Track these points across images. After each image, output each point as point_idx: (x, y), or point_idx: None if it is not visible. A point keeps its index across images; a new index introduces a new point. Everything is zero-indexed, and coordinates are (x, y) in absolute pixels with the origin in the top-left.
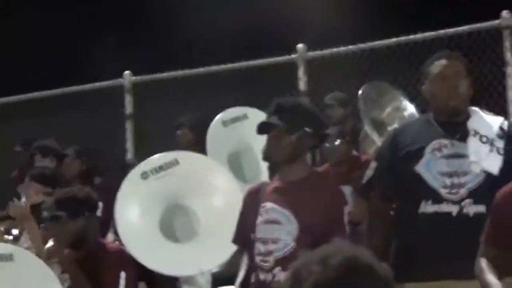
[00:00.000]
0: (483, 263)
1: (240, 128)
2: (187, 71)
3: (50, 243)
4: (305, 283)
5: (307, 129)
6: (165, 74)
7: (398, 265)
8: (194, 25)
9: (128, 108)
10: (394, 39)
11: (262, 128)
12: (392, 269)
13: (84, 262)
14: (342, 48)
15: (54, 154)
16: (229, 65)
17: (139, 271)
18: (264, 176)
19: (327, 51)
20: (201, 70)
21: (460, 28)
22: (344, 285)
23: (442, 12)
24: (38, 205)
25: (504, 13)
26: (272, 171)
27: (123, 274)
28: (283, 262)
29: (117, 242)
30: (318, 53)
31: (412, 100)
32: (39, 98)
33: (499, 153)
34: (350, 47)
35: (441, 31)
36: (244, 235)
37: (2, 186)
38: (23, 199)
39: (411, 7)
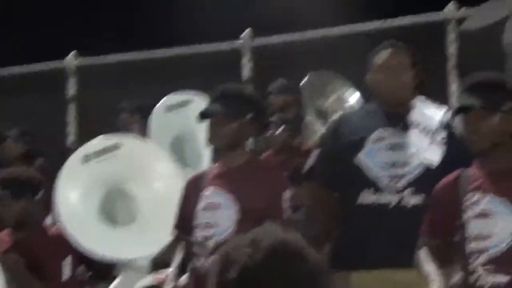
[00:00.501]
0: (423, 253)
1: (184, 114)
2: (132, 55)
3: None
4: (234, 265)
5: (249, 116)
6: (110, 57)
7: (340, 253)
8: (142, 7)
9: (71, 90)
10: (337, 28)
11: (204, 114)
12: (335, 257)
13: (24, 245)
14: (289, 36)
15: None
16: (176, 50)
17: (79, 255)
18: (207, 162)
19: (273, 38)
20: (146, 54)
21: (405, 19)
22: (272, 268)
23: (388, 2)
24: None
25: (450, 5)
26: (215, 157)
27: (68, 260)
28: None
29: (56, 226)
30: (264, 40)
31: (356, 90)
32: None
33: (440, 145)
34: (296, 35)
35: (386, 22)
36: (184, 222)
37: None
38: None
39: None
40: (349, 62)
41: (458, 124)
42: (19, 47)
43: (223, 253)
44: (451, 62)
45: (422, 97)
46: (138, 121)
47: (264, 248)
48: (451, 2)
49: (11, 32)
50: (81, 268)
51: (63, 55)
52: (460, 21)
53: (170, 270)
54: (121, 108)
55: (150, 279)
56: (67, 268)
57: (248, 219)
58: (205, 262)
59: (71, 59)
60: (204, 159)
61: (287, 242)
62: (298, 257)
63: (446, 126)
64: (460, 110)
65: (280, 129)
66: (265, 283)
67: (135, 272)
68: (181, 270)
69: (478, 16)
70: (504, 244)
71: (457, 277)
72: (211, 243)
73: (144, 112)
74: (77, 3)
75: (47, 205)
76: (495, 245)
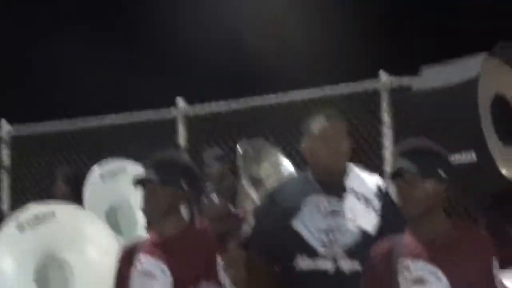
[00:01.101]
0: None
1: (118, 182)
2: (66, 124)
3: None
4: None
5: (182, 183)
6: (45, 126)
7: None
8: (77, 76)
9: (5, 160)
10: (273, 96)
11: (139, 182)
12: None
13: None
14: (224, 105)
15: None
16: (109, 118)
17: None
18: (141, 230)
19: (208, 106)
20: (80, 123)
21: (339, 88)
22: None
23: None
24: None
25: (382, 74)
26: (149, 226)
27: None
28: None
29: None
30: (197, 109)
31: (289, 158)
32: None
33: (375, 211)
34: (231, 103)
35: (320, 90)
36: None
37: None
38: None
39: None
40: (285, 130)
41: (393, 190)
42: None
43: None
44: (385, 130)
45: (357, 165)
46: (71, 190)
47: None
48: (381, 70)
49: None
50: None
51: None
52: (394, 89)
53: None
54: (56, 176)
55: None
56: None
57: None
58: None
59: (4, 128)
60: (139, 228)
61: None
62: None
63: (381, 192)
64: (395, 175)
65: (216, 198)
66: None
67: None
68: None
69: (433, 77)
70: None
71: None
72: None
73: (77, 181)
74: (10, 72)
75: None
76: None
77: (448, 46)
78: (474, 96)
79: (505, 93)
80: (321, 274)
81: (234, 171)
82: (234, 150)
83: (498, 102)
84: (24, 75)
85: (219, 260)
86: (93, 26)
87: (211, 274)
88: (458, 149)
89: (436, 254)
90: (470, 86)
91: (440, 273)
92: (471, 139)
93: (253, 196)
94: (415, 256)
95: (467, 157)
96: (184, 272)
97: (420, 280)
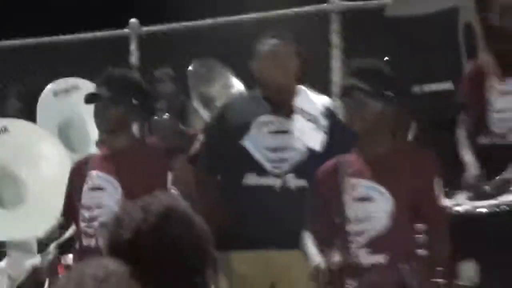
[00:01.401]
0: (307, 235)
1: (71, 99)
2: (20, 41)
3: None
4: (126, 228)
5: (134, 101)
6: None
7: (224, 234)
8: None
9: None
10: (224, 17)
11: (90, 99)
12: (218, 238)
13: None
14: (175, 25)
15: None
16: (63, 37)
17: None
18: (93, 146)
19: (159, 27)
20: (32, 40)
21: (289, 10)
22: (163, 230)
23: None
24: None
25: None
26: (100, 141)
27: None
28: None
29: None
30: (151, 28)
31: (239, 77)
32: None
33: (322, 131)
34: (182, 24)
35: (274, 12)
36: (72, 206)
37: None
38: None
39: None
40: (237, 51)
41: (341, 110)
42: None
43: (115, 218)
44: (335, 51)
45: (305, 86)
46: (23, 107)
47: (156, 212)
48: None
49: None
50: None
51: None
52: (344, 12)
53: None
54: (8, 94)
55: (37, 260)
56: None
57: (131, 199)
58: (90, 243)
59: None
60: (91, 144)
61: (177, 208)
62: (187, 222)
63: (329, 112)
64: (345, 94)
65: (166, 115)
66: (156, 245)
67: (24, 252)
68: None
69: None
70: (382, 227)
71: (337, 257)
72: (96, 224)
73: (29, 98)
74: None
75: None
76: (373, 227)
77: None
78: (456, 25)
79: (472, 21)
80: (268, 190)
81: (185, 90)
82: (184, 70)
83: (467, 31)
84: None
85: (169, 175)
86: None
87: (160, 187)
88: (435, 77)
89: (380, 173)
90: (451, 15)
91: (384, 191)
92: (451, 69)
93: (203, 115)
94: (361, 175)
95: (444, 86)
96: (133, 184)
97: (365, 198)
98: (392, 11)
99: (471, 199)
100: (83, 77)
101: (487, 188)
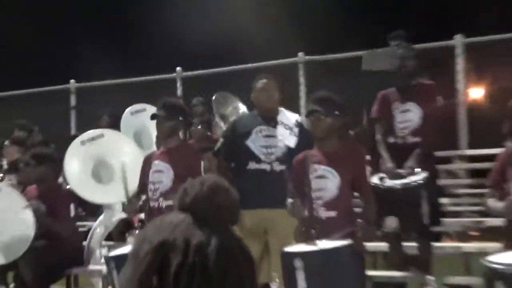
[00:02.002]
0: (289, 200)
1: (141, 117)
2: (107, 82)
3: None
4: (189, 195)
5: (180, 118)
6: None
7: None
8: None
9: (72, 103)
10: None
11: (153, 116)
12: None
13: (45, 195)
14: (203, 71)
15: (26, 128)
16: (133, 79)
17: (78, 201)
18: (154, 146)
19: (194, 72)
20: (111, 82)
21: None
22: (211, 196)
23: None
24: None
25: (300, 54)
26: (158, 142)
27: (72, 206)
28: (165, 194)
29: (65, 184)
30: (189, 73)
31: (243, 102)
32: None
33: (295, 135)
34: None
35: (263, 63)
36: (143, 182)
37: None
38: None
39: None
40: (241, 86)
41: (307, 123)
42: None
43: (183, 188)
44: (302, 87)
45: (284, 108)
46: (112, 122)
47: (207, 185)
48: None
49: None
50: (80, 209)
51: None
52: (307, 63)
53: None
54: (102, 114)
55: (121, 214)
56: (72, 210)
57: (179, 179)
58: (154, 204)
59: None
60: (153, 145)
61: (220, 182)
62: (227, 192)
63: (299, 124)
64: (309, 114)
65: (199, 126)
66: (207, 205)
67: (113, 210)
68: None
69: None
70: (333, 194)
71: (306, 211)
72: (157, 193)
73: (115, 116)
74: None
75: (59, 170)
76: (327, 195)
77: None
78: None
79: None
80: (262, 172)
81: (210, 111)
82: (211, 99)
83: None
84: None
85: (201, 163)
86: None
87: (196, 172)
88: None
89: (331, 161)
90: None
91: (334, 172)
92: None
93: (222, 126)
94: (319, 162)
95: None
96: (180, 169)
97: (322, 176)
98: (365, 67)
99: (390, 178)
100: (147, 103)
101: (400, 171)
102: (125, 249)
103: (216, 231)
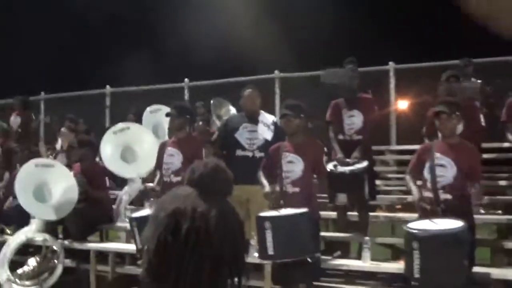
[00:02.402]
0: (262, 176)
1: (158, 114)
2: (132, 88)
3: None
4: (196, 173)
5: (187, 116)
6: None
7: None
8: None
9: (107, 102)
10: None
11: (167, 115)
12: None
13: (86, 171)
14: (204, 82)
15: (74, 120)
16: (155, 86)
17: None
18: (167, 137)
19: (198, 83)
20: (135, 88)
21: (256, 76)
22: (214, 176)
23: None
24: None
25: (276, 71)
26: (170, 134)
27: (106, 179)
28: (175, 172)
29: (101, 162)
30: (194, 83)
31: (234, 106)
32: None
33: (271, 131)
34: (205, 81)
35: (249, 77)
36: (159, 163)
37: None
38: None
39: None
40: (232, 93)
41: (280, 123)
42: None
43: (191, 168)
44: (277, 97)
45: (263, 111)
46: (136, 118)
47: (210, 165)
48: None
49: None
50: (111, 181)
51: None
52: (281, 78)
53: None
54: (128, 112)
55: (142, 186)
56: (107, 182)
57: (187, 162)
58: (167, 179)
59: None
60: (166, 135)
61: (220, 164)
62: (225, 171)
63: (274, 123)
64: (282, 116)
65: (200, 123)
66: (211, 181)
67: (135, 183)
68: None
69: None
70: (298, 175)
71: (277, 187)
72: (170, 171)
73: (139, 114)
74: None
75: (97, 152)
76: (294, 175)
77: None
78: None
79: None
80: (246, 158)
81: (210, 112)
82: (210, 103)
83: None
84: None
85: (203, 151)
86: None
87: (199, 156)
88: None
89: (298, 150)
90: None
91: (299, 159)
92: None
93: (217, 123)
94: (289, 151)
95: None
96: (187, 154)
97: (290, 161)
98: (323, 80)
99: (340, 165)
100: (162, 104)
101: (348, 160)
102: (143, 212)
103: (216, 202)
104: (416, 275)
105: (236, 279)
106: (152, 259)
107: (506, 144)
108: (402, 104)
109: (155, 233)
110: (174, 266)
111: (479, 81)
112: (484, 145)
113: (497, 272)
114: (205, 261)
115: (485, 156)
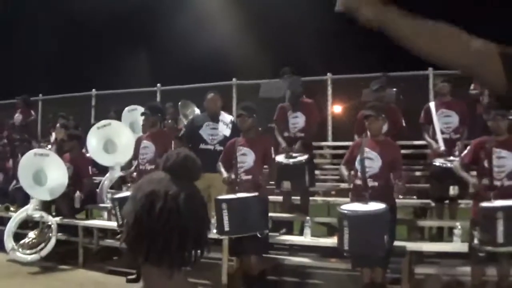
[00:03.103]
0: (221, 166)
1: (134, 113)
2: (110, 91)
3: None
4: (170, 160)
5: (158, 115)
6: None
7: None
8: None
9: (93, 102)
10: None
11: (142, 114)
12: None
13: (74, 160)
14: (174, 87)
15: (66, 118)
16: (131, 90)
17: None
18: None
19: (168, 87)
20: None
21: (218, 83)
22: (184, 163)
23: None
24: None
25: (234, 79)
26: (144, 129)
27: (90, 167)
28: (149, 161)
29: (87, 154)
30: (165, 87)
31: (198, 107)
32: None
33: (229, 128)
34: (174, 86)
35: (210, 83)
36: (136, 153)
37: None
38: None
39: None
40: (196, 97)
41: (237, 121)
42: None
43: (165, 156)
44: (234, 100)
45: (223, 111)
46: (117, 116)
47: (182, 154)
48: (234, 78)
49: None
50: (94, 169)
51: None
52: (238, 85)
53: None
54: (110, 111)
55: (120, 173)
56: (90, 169)
57: (158, 152)
58: (143, 167)
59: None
60: (141, 130)
61: (190, 154)
62: (195, 160)
63: (232, 122)
64: (238, 116)
65: (170, 121)
66: (181, 167)
67: (115, 171)
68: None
69: (265, 92)
70: (249, 165)
71: (232, 175)
72: (145, 160)
73: (119, 113)
74: None
75: (83, 144)
76: (247, 165)
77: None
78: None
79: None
80: (209, 151)
81: (177, 111)
82: (178, 104)
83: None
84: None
85: (172, 144)
86: None
87: (169, 148)
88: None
89: (250, 145)
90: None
91: (251, 151)
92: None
93: (184, 121)
94: (243, 145)
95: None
96: (159, 146)
97: (244, 154)
98: (261, 95)
99: (286, 158)
100: (138, 105)
101: (292, 154)
102: (123, 194)
103: (185, 186)
104: (346, 248)
105: (199, 251)
106: (130, 231)
107: (419, 142)
108: (337, 108)
109: (133, 210)
110: (147, 239)
111: (394, 89)
112: (403, 142)
113: (411, 245)
114: (173, 235)
115: (403, 151)
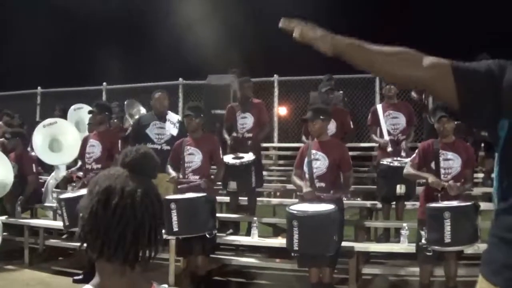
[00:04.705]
0: (169, 166)
1: (81, 112)
2: (61, 89)
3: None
4: (128, 157)
5: (107, 113)
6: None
7: None
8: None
9: (38, 100)
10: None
11: (89, 112)
12: None
13: (18, 158)
14: (127, 85)
15: (11, 115)
16: (110, 87)
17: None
18: (87, 131)
19: (114, 86)
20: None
21: (159, 83)
22: (143, 160)
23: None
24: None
25: (180, 79)
26: (90, 128)
27: (35, 166)
28: (96, 160)
29: (32, 153)
30: (112, 86)
31: (144, 106)
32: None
33: (176, 128)
34: (127, 85)
35: (161, 82)
36: (82, 152)
37: None
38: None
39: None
40: (144, 96)
41: (184, 121)
42: None
43: (122, 153)
44: (181, 100)
45: (169, 111)
46: (62, 114)
47: (140, 151)
48: (180, 78)
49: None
50: (39, 168)
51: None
52: (184, 85)
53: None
54: (55, 110)
55: (66, 172)
56: (34, 167)
57: (105, 151)
58: (90, 166)
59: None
60: (87, 129)
61: (148, 151)
62: (153, 157)
63: (179, 121)
64: (185, 116)
65: (116, 120)
66: (139, 164)
67: (60, 170)
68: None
69: (212, 80)
70: (197, 165)
71: (180, 175)
72: (91, 159)
73: (65, 111)
74: None
75: (28, 142)
76: (194, 165)
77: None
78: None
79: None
80: (155, 150)
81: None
82: (124, 104)
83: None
84: None
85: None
86: None
87: (116, 147)
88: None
89: (198, 144)
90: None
91: (199, 151)
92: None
93: (130, 120)
94: (190, 145)
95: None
96: (105, 145)
97: (191, 153)
98: (209, 82)
99: (233, 158)
100: (85, 103)
101: (239, 154)
102: (69, 194)
103: (142, 182)
104: (296, 248)
105: (153, 249)
106: (85, 226)
107: (366, 144)
108: (283, 110)
109: (89, 205)
110: (102, 234)
111: (341, 92)
112: (350, 144)
113: (359, 246)
114: (128, 231)
115: (350, 153)
